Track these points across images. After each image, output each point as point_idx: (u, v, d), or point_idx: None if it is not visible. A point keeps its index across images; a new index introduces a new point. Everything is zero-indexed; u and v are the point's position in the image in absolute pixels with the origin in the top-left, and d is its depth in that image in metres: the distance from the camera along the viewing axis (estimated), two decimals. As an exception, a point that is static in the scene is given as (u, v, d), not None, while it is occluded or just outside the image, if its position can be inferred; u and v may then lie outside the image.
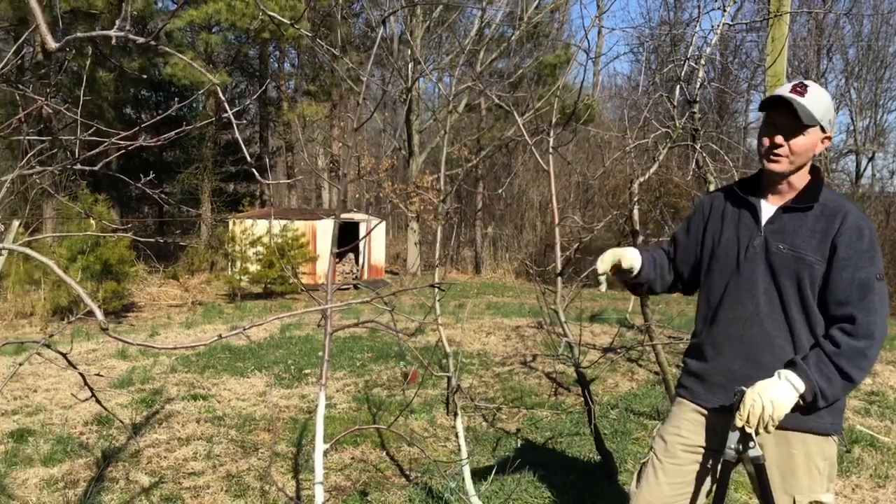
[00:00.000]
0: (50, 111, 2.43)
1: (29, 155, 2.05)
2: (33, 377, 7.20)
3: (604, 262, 2.70)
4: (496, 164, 27.70)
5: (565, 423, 6.02)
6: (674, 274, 2.84)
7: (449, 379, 4.00)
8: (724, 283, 2.56)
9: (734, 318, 2.52)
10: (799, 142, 2.40)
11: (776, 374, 2.33)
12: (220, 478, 4.72)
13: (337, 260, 21.35)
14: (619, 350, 8.64)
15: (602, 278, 2.72)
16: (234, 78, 29.22)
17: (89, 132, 2.33)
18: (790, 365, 2.35)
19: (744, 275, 2.50)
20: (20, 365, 2.18)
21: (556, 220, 4.84)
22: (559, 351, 4.94)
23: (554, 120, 5.02)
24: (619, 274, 2.75)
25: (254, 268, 19.34)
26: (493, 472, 4.68)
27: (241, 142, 1.48)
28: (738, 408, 2.34)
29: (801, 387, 2.29)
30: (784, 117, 2.39)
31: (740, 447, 2.38)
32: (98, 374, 2.24)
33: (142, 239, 2.40)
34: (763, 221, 2.50)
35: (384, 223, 24.66)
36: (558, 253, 4.81)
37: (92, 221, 16.46)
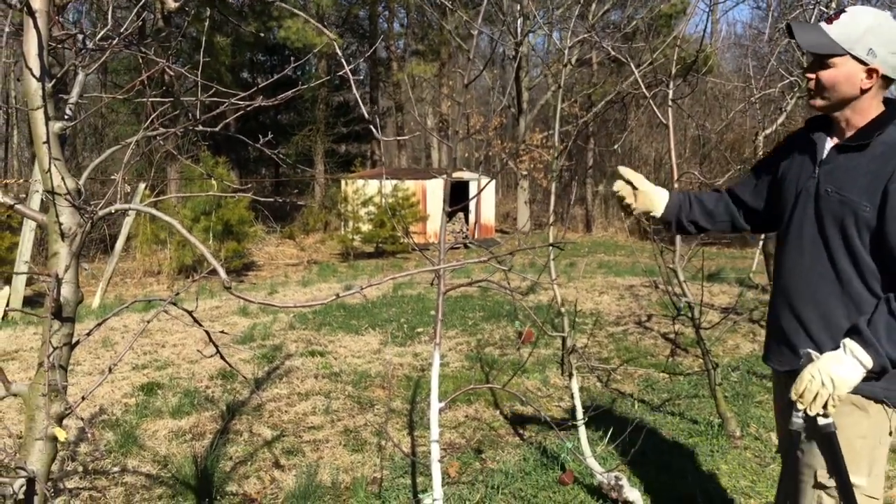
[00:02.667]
0: (171, 74, 2.48)
1: (152, 117, 2.09)
2: (161, 333, 7.55)
3: (625, 182, 2.65)
4: (608, 119, 27.09)
5: (683, 384, 5.86)
6: (735, 211, 2.65)
7: (564, 339, 3.94)
8: (781, 230, 2.40)
9: (784, 270, 2.35)
10: (824, 75, 2.20)
11: (841, 345, 2.11)
12: (338, 432, 4.84)
13: (447, 219, 21.46)
14: (740, 311, 8.34)
15: (618, 188, 2.66)
16: (345, 39, 29.56)
17: (209, 94, 2.36)
18: (855, 333, 2.10)
19: (794, 221, 2.32)
20: (148, 322, 2.24)
21: (675, 176, 4.66)
22: (678, 311, 4.79)
23: (673, 71, 4.81)
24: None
25: (366, 227, 19.68)
26: (609, 433, 4.60)
27: (358, 98, 1.45)
28: (797, 379, 2.15)
29: (869, 362, 2.06)
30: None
31: (807, 416, 2.16)
32: (222, 332, 2.29)
33: (261, 199, 2.43)
34: (819, 161, 2.28)
35: (494, 182, 24.59)
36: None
37: (213, 182, 17.09)
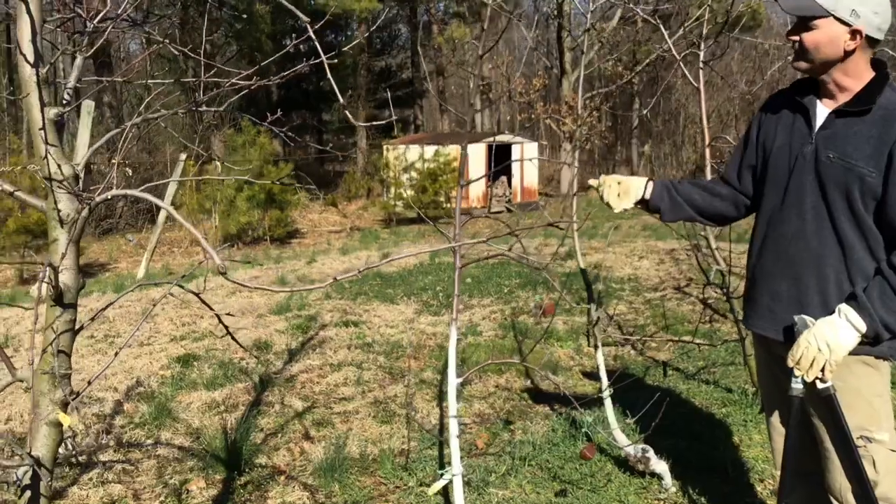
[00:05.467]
0: (177, 52, 2.46)
1: (149, 98, 2.07)
2: (200, 304, 7.64)
3: (604, 187, 2.65)
4: (654, 77, 26.53)
5: (719, 352, 5.75)
6: (731, 198, 2.58)
7: (589, 310, 3.88)
8: (773, 197, 2.35)
9: (780, 236, 2.32)
10: (807, 37, 2.16)
11: (836, 310, 2.14)
12: (368, 404, 4.86)
13: (489, 183, 21.33)
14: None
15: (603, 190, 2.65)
16: (386, 3, 29.31)
17: (210, 74, 2.32)
18: (851, 299, 2.14)
19: (792, 187, 2.28)
20: (154, 305, 2.25)
21: (707, 140, 4.53)
22: (710, 278, 4.69)
23: (705, 31, 4.65)
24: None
25: (407, 193, 19.66)
26: (640, 402, 4.54)
27: (333, 83, 1.39)
28: (794, 346, 2.19)
29: (862, 326, 2.09)
30: None
31: (805, 381, 2.20)
32: (228, 313, 2.28)
33: (268, 184, 2.41)
34: (816, 127, 2.24)
35: (536, 145, 24.33)
36: (709, 175, 4.51)
37: (254, 152, 17.19)
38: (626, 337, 5.48)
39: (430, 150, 20.38)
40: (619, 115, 26.53)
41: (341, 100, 1.38)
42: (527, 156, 22.17)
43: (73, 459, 4.09)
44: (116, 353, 2.19)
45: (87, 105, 10.30)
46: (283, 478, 3.90)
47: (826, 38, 2.13)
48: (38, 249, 13.70)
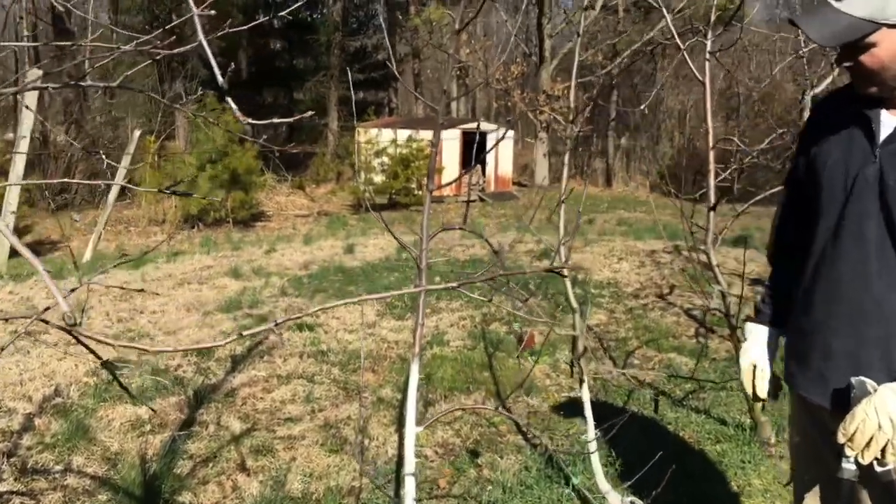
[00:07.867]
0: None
1: (30, 67, 1.47)
2: (142, 297, 7.00)
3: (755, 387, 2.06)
4: (633, 70, 26.06)
5: (708, 372, 5.24)
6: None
7: (574, 339, 3.33)
8: (825, 228, 1.85)
9: (836, 276, 1.82)
10: (867, 59, 1.69)
11: None
12: (317, 427, 4.27)
13: (462, 171, 20.78)
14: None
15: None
16: (362, -19, 28.59)
17: (93, 38, 1.72)
18: None
19: (849, 217, 1.79)
20: (3, 349, 1.66)
21: (712, 144, 3.96)
22: (711, 304, 4.16)
23: (713, 18, 4.10)
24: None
25: (378, 178, 19.07)
26: (624, 437, 4.02)
27: (211, 59, 0.85)
28: (847, 418, 1.69)
29: None
30: None
31: (859, 463, 1.70)
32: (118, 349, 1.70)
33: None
34: (880, 140, 1.75)
35: (512, 133, 23.79)
36: (712, 183, 3.95)
37: (218, 130, 16.46)
38: (621, 371, 4.94)
39: (403, 135, 19.76)
40: (598, 106, 25.98)
41: (220, 80, 0.82)
42: (502, 144, 21.69)
43: (-36, 491, 3.49)
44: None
45: (34, 73, 9.56)
46: (208, 521, 3.32)
47: (890, 52, 1.67)
48: None
